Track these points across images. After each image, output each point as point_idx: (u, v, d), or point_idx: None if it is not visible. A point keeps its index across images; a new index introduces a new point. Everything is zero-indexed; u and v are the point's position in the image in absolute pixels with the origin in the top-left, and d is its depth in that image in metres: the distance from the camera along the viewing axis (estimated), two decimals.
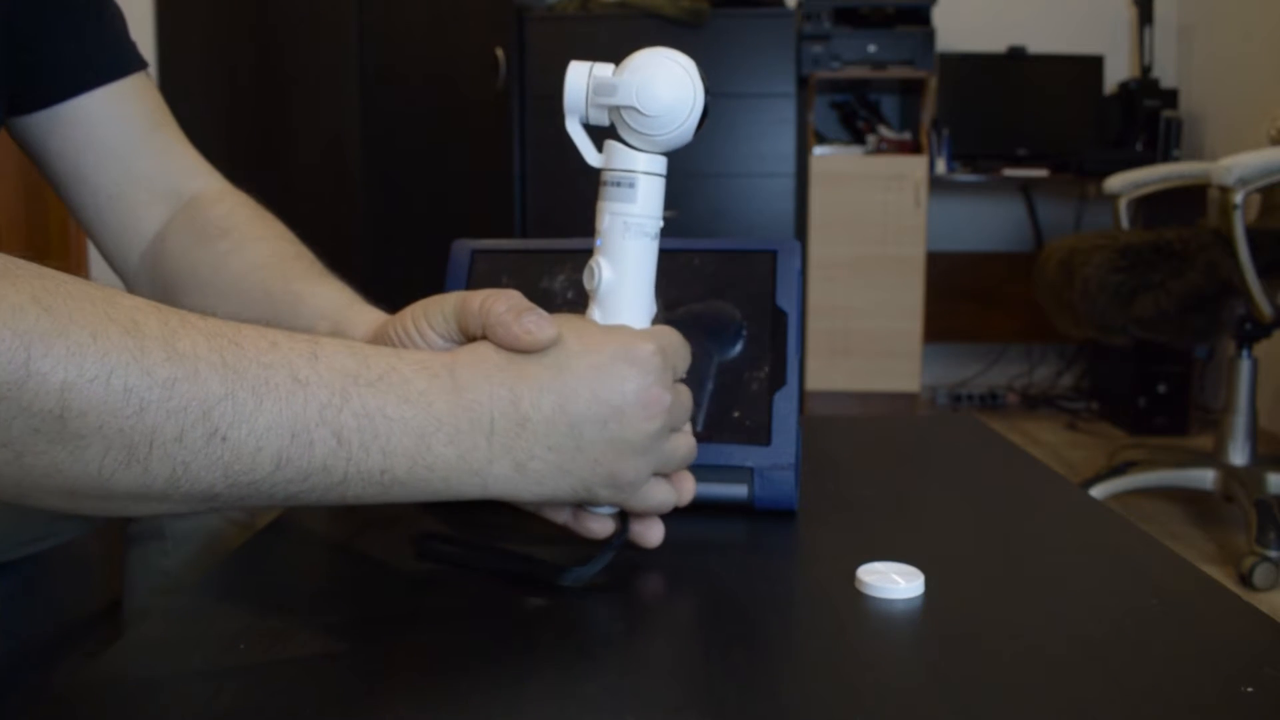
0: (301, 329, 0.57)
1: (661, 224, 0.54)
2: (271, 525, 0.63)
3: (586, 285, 0.53)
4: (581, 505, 0.53)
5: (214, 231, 0.68)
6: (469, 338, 0.50)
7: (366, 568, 0.56)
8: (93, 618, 0.79)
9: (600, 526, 0.53)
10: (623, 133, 0.52)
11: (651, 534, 0.54)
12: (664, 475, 0.52)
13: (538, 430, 0.46)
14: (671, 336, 0.51)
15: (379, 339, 0.54)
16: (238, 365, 0.40)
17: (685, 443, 0.52)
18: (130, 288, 0.70)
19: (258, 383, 0.40)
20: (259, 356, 0.41)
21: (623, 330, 0.50)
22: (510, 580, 0.53)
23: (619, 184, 0.52)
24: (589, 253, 0.54)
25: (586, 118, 0.52)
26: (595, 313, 0.53)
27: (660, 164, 0.53)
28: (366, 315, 0.61)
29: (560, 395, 0.47)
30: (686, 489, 0.54)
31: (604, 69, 0.51)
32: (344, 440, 0.42)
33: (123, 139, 0.68)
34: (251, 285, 0.65)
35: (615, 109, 0.51)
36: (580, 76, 0.52)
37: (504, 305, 0.49)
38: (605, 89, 0.51)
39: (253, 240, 0.68)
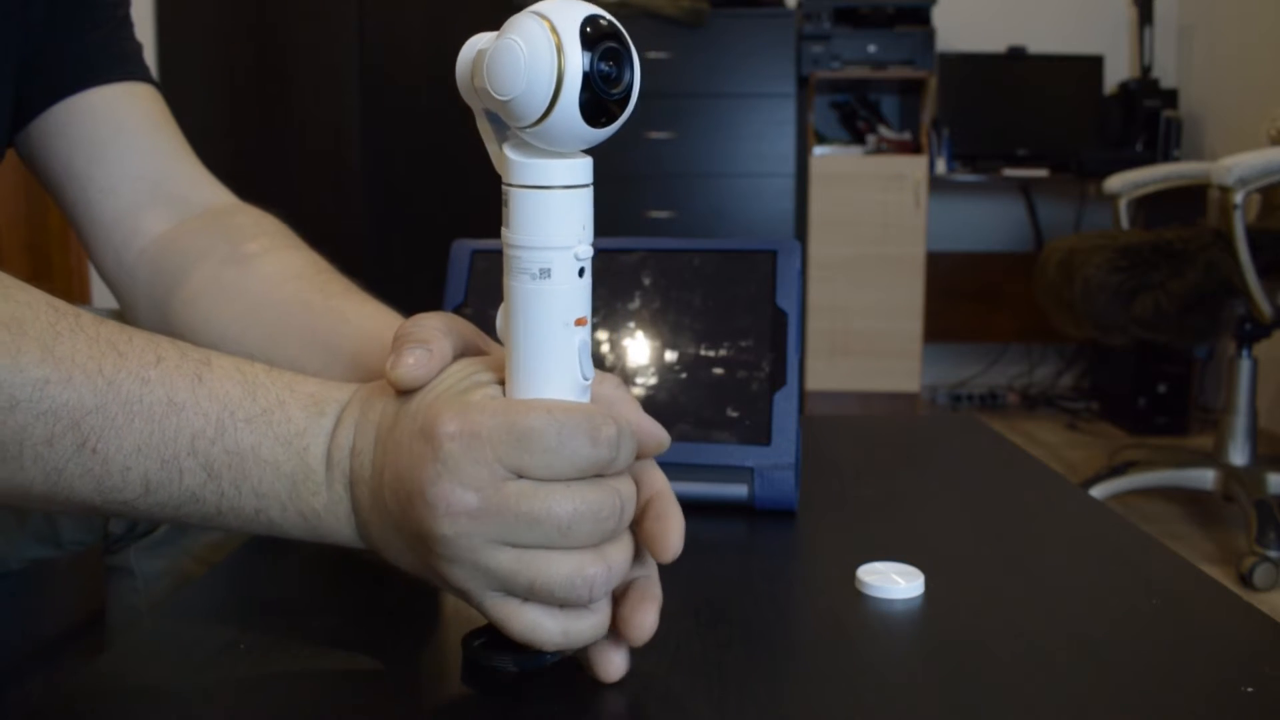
0: (348, 349, 0.55)
1: (565, 257, 0.38)
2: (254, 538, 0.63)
3: None
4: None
5: (239, 236, 0.65)
6: None
7: (356, 575, 0.56)
8: (80, 627, 0.80)
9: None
10: None
11: (603, 664, 0.41)
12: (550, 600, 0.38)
13: (367, 493, 0.40)
14: (517, 418, 0.36)
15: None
16: (115, 377, 0.39)
17: (550, 568, 0.37)
18: (122, 288, 0.68)
19: (131, 399, 0.39)
20: (140, 371, 0.39)
21: (450, 398, 0.39)
22: None
23: (502, 201, 0.38)
24: None
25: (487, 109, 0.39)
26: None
27: (547, 172, 0.37)
28: None
29: (384, 458, 0.39)
30: (579, 629, 0.39)
31: (490, 38, 0.37)
32: (214, 474, 0.40)
33: (119, 135, 0.67)
34: (287, 295, 0.61)
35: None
36: (469, 51, 0.39)
37: (401, 330, 0.42)
38: (477, 67, 0.37)
39: (284, 250, 0.65)
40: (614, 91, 0.35)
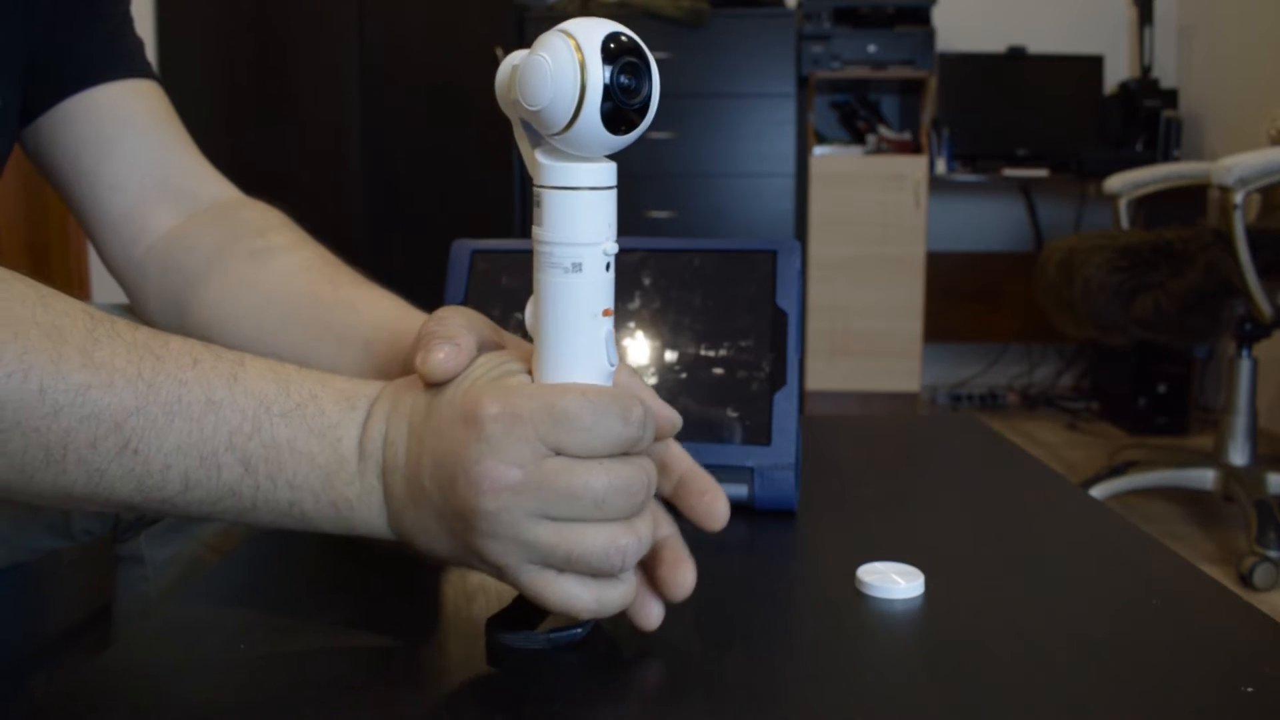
0: (358, 338, 0.58)
1: (594, 253, 0.41)
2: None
3: None
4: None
5: (247, 231, 0.67)
6: None
7: (364, 566, 0.56)
8: (86, 623, 0.80)
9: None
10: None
11: (644, 614, 0.44)
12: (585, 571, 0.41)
13: (402, 480, 0.42)
14: (554, 400, 0.39)
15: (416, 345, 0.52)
16: (153, 380, 0.40)
17: (588, 540, 0.39)
18: (131, 281, 0.69)
19: (170, 400, 0.40)
20: (178, 373, 0.41)
21: (489, 384, 0.42)
22: None
23: (534, 202, 0.42)
24: None
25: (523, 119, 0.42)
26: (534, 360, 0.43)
27: (577, 175, 0.40)
28: (419, 322, 0.58)
29: (419, 446, 0.41)
30: (610, 597, 0.41)
31: (524, 55, 0.40)
32: (251, 469, 0.41)
33: (126, 132, 0.68)
34: (298, 288, 0.63)
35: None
36: (506, 67, 0.42)
37: (426, 327, 0.45)
38: (512, 81, 0.41)
39: (293, 243, 0.67)
40: (633, 102, 0.38)
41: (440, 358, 0.42)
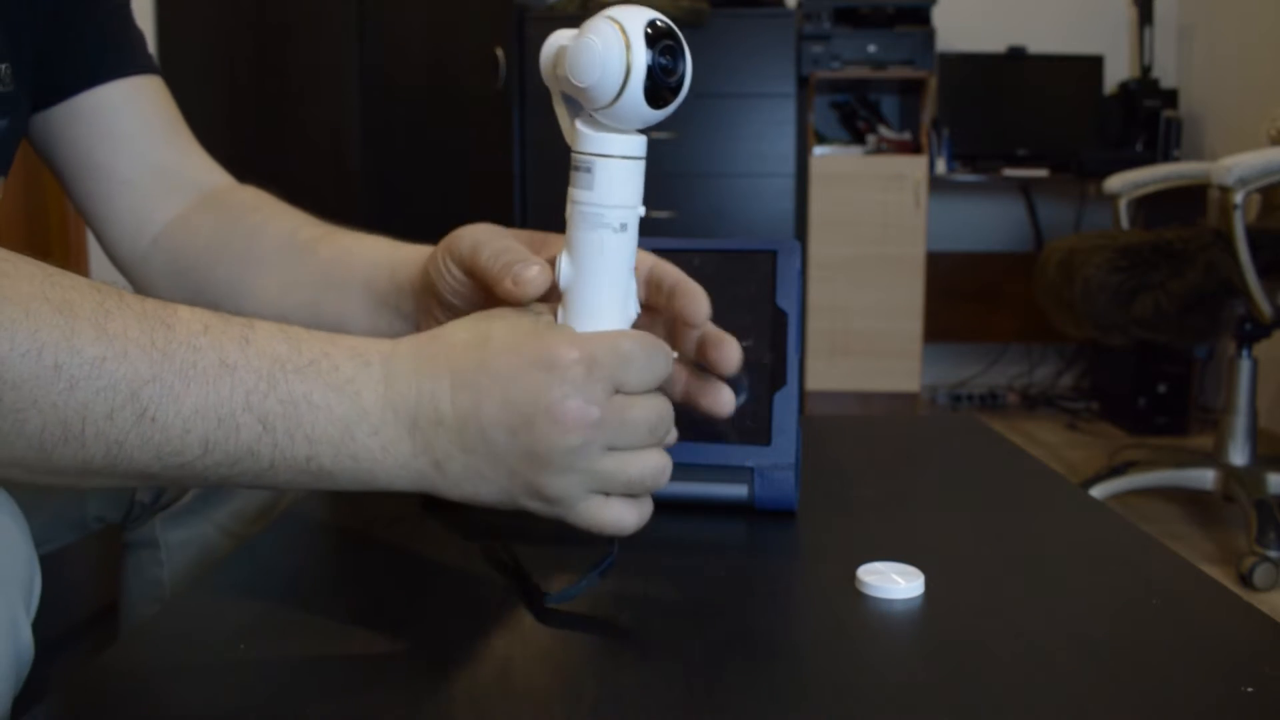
0: (357, 280, 0.62)
1: (634, 214, 0.47)
2: (273, 525, 0.63)
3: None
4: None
5: (241, 209, 0.70)
6: (479, 284, 0.52)
7: (369, 566, 0.56)
8: (89, 621, 0.80)
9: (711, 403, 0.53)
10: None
11: (718, 403, 0.53)
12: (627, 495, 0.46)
13: (452, 430, 0.44)
14: (618, 343, 0.45)
15: (425, 274, 0.56)
16: (167, 348, 0.41)
17: (641, 463, 0.45)
18: (137, 273, 0.71)
19: (185, 366, 0.41)
20: (190, 339, 0.41)
21: (555, 331, 0.45)
22: (509, 580, 0.53)
23: (577, 168, 0.46)
24: None
25: (564, 93, 0.47)
26: (560, 312, 0.48)
27: (624, 144, 0.46)
28: (417, 253, 0.61)
29: (475, 396, 0.44)
30: (647, 511, 0.48)
31: (570, 35, 0.45)
32: (269, 426, 0.42)
33: (140, 129, 0.70)
34: (296, 248, 0.66)
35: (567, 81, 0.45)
36: (551, 46, 0.47)
37: (498, 260, 0.49)
38: (559, 59, 0.45)
39: (282, 215, 0.70)
40: (671, 80, 0.43)
41: (534, 273, 0.47)
